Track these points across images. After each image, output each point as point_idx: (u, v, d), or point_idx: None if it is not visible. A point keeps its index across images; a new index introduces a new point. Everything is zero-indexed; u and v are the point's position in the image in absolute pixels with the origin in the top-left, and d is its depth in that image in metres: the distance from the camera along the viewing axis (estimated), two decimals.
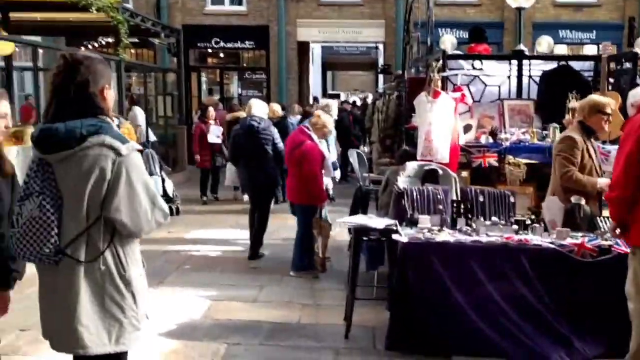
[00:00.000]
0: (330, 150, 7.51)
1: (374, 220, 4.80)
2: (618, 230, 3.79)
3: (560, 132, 6.06)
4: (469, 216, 4.83)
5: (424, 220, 4.68)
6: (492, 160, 6.19)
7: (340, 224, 6.66)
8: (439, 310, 4.30)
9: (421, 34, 9.64)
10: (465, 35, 12.55)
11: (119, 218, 2.50)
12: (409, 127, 8.05)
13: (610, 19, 18.89)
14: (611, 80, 6.52)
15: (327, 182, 6.87)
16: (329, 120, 6.70)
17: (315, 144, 6.66)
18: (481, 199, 4.91)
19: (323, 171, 6.71)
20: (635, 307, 3.60)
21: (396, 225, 4.64)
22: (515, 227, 4.66)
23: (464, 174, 6.41)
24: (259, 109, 7.52)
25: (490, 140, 6.21)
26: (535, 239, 4.46)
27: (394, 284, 4.45)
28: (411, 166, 5.53)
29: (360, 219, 4.97)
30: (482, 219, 4.81)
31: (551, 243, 4.40)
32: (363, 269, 5.55)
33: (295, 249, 6.69)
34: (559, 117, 6.16)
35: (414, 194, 4.91)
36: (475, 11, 19.45)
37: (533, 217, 5.00)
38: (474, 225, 4.74)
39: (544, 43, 7.99)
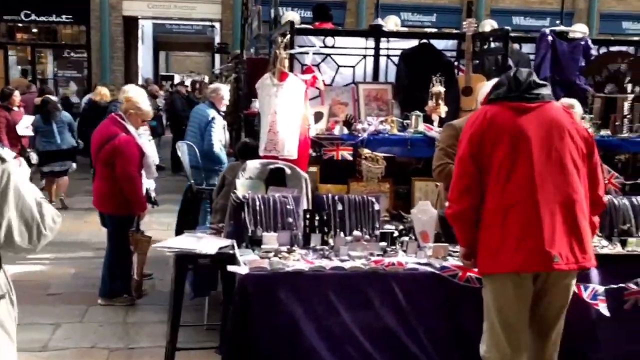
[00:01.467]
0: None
1: (204, 242, 3.69)
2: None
3: (425, 121, 5.35)
4: (326, 230, 3.89)
5: (270, 239, 3.65)
6: (346, 153, 5.32)
7: (167, 225, 5.48)
8: None
9: (263, 10, 8.62)
10: (308, 14, 11.78)
11: None
12: (248, 113, 7.01)
13: (450, 2, 19.14)
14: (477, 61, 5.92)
15: (149, 185, 5.64)
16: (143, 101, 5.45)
17: (131, 137, 5.40)
18: (340, 207, 3.98)
19: (142, 171, 5.47)
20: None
21: (233, 248, 3.58)
22: (382, 243, 3.79)
23: (313, 169, 5.51)
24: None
25: (345, 131, 5.33)
26: (409, 260, 3.62)
27: (229, 329, 3.38)
28: (252, 165, 4.47)
29: (184, 242, 3.82)
30: (342, 233, 3.88)
31: (428, 265, 3.59)
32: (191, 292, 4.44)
33: (105, 270, 5.39)
34: (421, 104, 5.44)
35: (257, 203, 3.86)
36: None
37: (402, 227, 4.18)
38: (331, 242, 3.81)
39: (391, 23, 7.33)
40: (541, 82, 3.32)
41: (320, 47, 5.80)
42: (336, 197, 4.00)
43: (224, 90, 7.43)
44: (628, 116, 5.68)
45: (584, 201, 3.18)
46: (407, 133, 5.27)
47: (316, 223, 3.88)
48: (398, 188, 5.62)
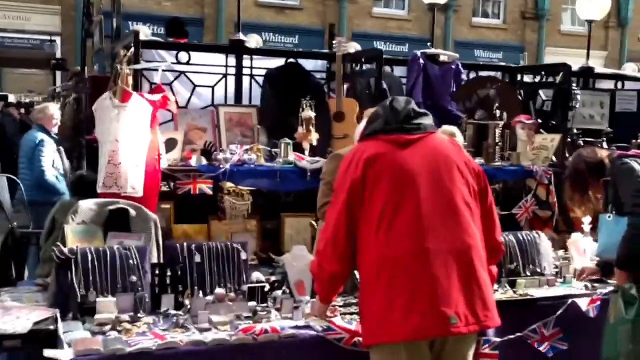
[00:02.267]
0: None
1: (14, 314, 2.81)
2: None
3: (295, 149, 4.79)
4: (181, 289, 3.18)
5: (106, 305, 2.87)
6: (205, 187, 4.62)
7: None
8: None
9: (105, 21, 7.73)
10: (160, 30, 10.99)
11: None
12: (90, 139, 6.09)
13: (312, 23, 19.05)
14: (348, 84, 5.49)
15: None
16: None
17: None
18: (198, 258, 3.27)
19: None
20: None
21: (55, 321, 2.75)
22: (251, 303, 3.15)
23: (166, 205, 4.76)
24: None
25: (204, 161, 4.64)
26: (285, 324, 3.00)
27: None
28: (86, 206, 3.64)
29: None
30: (200, 292, 3.18)
31: (308, 327, 2.98)
32: None
33: None
34: (290, 130, 4.89)
35: (89, 259, 3.05)
36: (172, 4, 18.00)
37: (274, 278, 3.56)
38: (188, 303, 3.10)
39: (252, 42, 6.76)
40: (421, 110, 2.90)
41: (173, 63, 5.09)
42: (193, 247, 3.29)
43: (52, 108, 6.56)
44: (499, 143, 5.51)
45: (481, 248, 2.74)
46: (276, 163, 4.68)
47: (168, 280, 3.15)
48: (266, 224, 5.04)
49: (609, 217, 3.42)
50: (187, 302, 3.11)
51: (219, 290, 3.16)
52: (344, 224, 2.65)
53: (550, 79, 6.07)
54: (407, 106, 2.81)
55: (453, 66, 6.06)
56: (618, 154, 3.44)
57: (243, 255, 3.34)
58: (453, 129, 4.78)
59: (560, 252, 4.46)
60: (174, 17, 11.12)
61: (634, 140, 5.95)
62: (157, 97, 4.34)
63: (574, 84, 5.93)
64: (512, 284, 3.63)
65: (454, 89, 6.05)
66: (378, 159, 2.68)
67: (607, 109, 6.61)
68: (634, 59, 16.56)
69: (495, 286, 3.61)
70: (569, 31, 25.02)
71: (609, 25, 24.48)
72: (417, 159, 2.70)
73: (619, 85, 6.79)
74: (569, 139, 5.74)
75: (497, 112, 5.72)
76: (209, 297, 3.13)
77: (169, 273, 3.18)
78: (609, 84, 6.87)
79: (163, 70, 4.93)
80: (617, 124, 6.45)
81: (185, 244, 3.30)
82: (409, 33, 19.66)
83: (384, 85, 5.10)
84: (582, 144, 5.85)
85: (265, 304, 3.24)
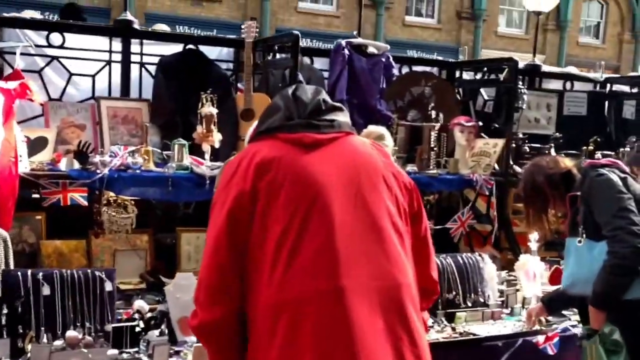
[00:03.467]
0: None
1: None
2: None
3: (192, 152, 4.24)
4: (21, 331, 2.57)
5: None
6: (78, 196, 4.06)
7: None
8: None
9: None
10: (54, 17, 10.22)
11: None
12: None
13: (231, 17, 18.56)
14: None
15: None
16: None
17: None
18: (46, 290, 2.67)
19: None
20: None
21: None
22: (113, 351, 2.57)
23: (38, 217, 4.21)
24: None
25: (77, 165, 4.04)
26: None
27: None
28: None
29: None
30: (46, 336, 2.59)
31: None
32: None
33: None
34: (187, 129, 4.36)
35: None
36: None
37: (160, 308, 3.00)
38: (29, 351, 2.49)
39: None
40: (335, 104, 2.29)
41: (43, 46, 4.47)
42: (40, 275, 2.69)
43: None
44: (435, 148, 5.15)
45: (414, 287, 2.16)
46: (168, 169, 4.11)
47: (3, 320, 2.54)
48: (161, 240, 4.52)
49: (580, 242, 2.84)
50: (28, 348, 2.50)
51: (70, 334, 2.56)
52: (225, 255, 2.03)
53: (494, 77, 5.78)
54: (316, 97, 2.23)
55: (383, 59, 5.66)
56: (589, 163, 2.92)
57: (108, 287, 2.76)
58: (381, 130, 4.35)
59: (504, 274, 4.08)
60: (70, 2, 10.36)
61: (584, 147, 5.69)
62: (13, 85, 3.73)
63: (520, 83, 5.62)
64: (451, 318, 3.17)
65: (384, 86, 5.67)
66: (275, 165, 2.06)
67: (554, 111, 6.37)
68: (572, 63, 16.83)
69: (430, 321, 3.15)
70: (506, 33, 25.43)
71: (548, 27, 25.00)
72: (328, 167, 2.11)
73: (568, 86, 6.57)
74: (513, 145, 5.43)
75: (433, 113, 5.40)
76: (58, 342, 2.53)
77: (5, 310, 2.56)
78: (556, 85, 6.64)
79: (31, 55, 4.33)
80: (565, 128, 6.22)
81: (29, 271, 2.70)
82: (337, 30, 19.39)
83: (301, 77, 4.62)
84: (527, 150, 5.56)
85: (136, 349, 2.67)
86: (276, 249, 1.99)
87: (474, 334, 2.96)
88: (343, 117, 2.25)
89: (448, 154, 5.31)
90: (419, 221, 2.25)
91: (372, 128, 4.27)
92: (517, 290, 3.64)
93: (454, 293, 3.31)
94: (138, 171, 4.07)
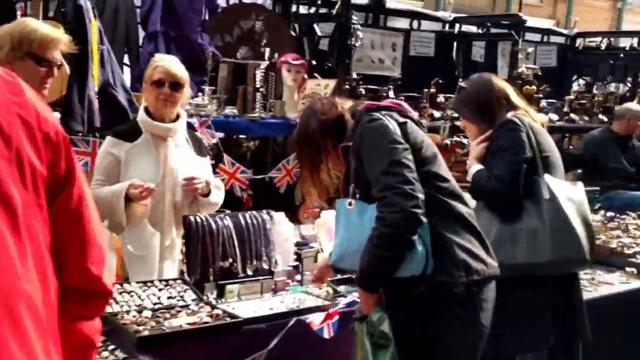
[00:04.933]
0: None
1: None
2: None
3: None
4: None
5: None
6: None
7: None
8: None
9: None
10: None
11: None
12: None
13: None
14: None
15: None
16: None
17: None
18: None
19: None
20: None
21: None
22: None
23: None
24: None
25: None
26: None
27: None
28: None
29: None
30: None
31: None
32: None
33: None
34: None
35: None
36: None
37: None
38: None
39: None
40: None
41: None
42: None
43: None
44: (261, 89, 4.55)
45: (40, 298, 1.11)
46: None
47: None
48: None
49: (350, 204, 2.13)
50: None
51: None
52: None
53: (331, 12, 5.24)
54: None
55: None
56: (366, 105, 2.24)
57: None
58: None
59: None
60: None
61: (426, 90, 5.24)
62: None
63: (355, 17, 5.06)
64: (222, 292, 2.56)
65: (207, 17, 5.01)
66: None
67: (400, 52, 5.90)
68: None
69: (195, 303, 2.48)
70: None
71: None
72: None
73: (415, 25, 6.10)
74: (347, 86, 4.91)
75: (266, 51, 4.78)
76: None
77: None
78: (403, 24, 6.17)
79: None
80: (412, 70, 5.78)
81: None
82: None
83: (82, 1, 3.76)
84: (363, 92, 5.06)
85: None
86: None
87: (232, 317, 2.29)
88: None
89: (278, 96, 4.73)
90: (68, 189, 1.35)
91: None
92: (318, 252, 3.08)
93: (230, 260, 2.67)
94: None
